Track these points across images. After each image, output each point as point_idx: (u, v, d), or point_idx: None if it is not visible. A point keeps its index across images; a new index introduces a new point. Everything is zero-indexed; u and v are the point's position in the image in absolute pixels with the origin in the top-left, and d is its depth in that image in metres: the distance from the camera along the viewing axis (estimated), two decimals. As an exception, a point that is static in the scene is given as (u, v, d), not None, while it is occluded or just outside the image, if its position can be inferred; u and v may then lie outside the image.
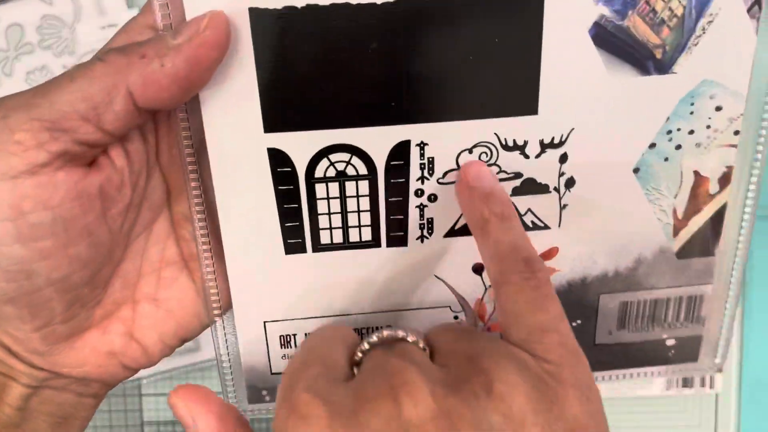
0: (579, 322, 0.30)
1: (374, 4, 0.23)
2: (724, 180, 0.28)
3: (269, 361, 0.29)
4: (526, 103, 0.25)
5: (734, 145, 0.27)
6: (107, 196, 0.24)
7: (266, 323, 0.28)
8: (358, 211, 0.27)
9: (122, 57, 0.22)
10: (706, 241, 0.29)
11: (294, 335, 0.29)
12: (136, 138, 0.25)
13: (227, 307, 0.28)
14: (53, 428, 0.27)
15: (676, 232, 0.28)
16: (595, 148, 0.26)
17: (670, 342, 0.31)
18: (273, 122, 0.25)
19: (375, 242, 0.27)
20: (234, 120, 0.25)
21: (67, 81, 0.22)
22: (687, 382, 0.48)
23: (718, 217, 0.28)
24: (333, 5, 0.23)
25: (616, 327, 0.30)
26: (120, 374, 0.27)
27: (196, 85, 0.23)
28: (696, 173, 0.27)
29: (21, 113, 0.22)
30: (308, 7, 0.23)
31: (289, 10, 0.23)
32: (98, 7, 0.46)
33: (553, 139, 0.26)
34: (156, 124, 0.25)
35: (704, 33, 0.25)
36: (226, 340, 0.28)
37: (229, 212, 0.26)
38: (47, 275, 0.23)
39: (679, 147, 0.27)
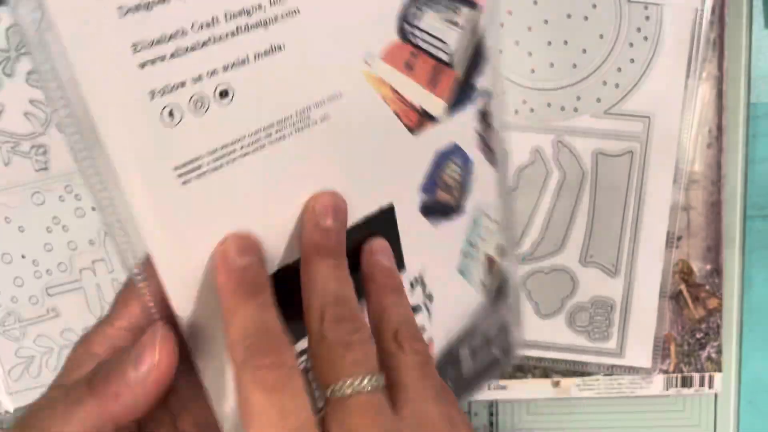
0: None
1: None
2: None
3: None
4: (397, 261, 0.38)
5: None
6: None
7: None
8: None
9: (105, 398, 0.29)
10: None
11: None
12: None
13: None
14: None
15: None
16: (444, 276, 0.41)
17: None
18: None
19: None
20: None
21: (70, 408, 0.28)
22: (686, 382, 0.48)
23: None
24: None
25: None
26: None
27: (162, 395, 0.29)
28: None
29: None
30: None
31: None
32: (98, 7, 0.51)
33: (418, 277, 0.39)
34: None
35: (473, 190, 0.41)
36: None
37: None
38: None
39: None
